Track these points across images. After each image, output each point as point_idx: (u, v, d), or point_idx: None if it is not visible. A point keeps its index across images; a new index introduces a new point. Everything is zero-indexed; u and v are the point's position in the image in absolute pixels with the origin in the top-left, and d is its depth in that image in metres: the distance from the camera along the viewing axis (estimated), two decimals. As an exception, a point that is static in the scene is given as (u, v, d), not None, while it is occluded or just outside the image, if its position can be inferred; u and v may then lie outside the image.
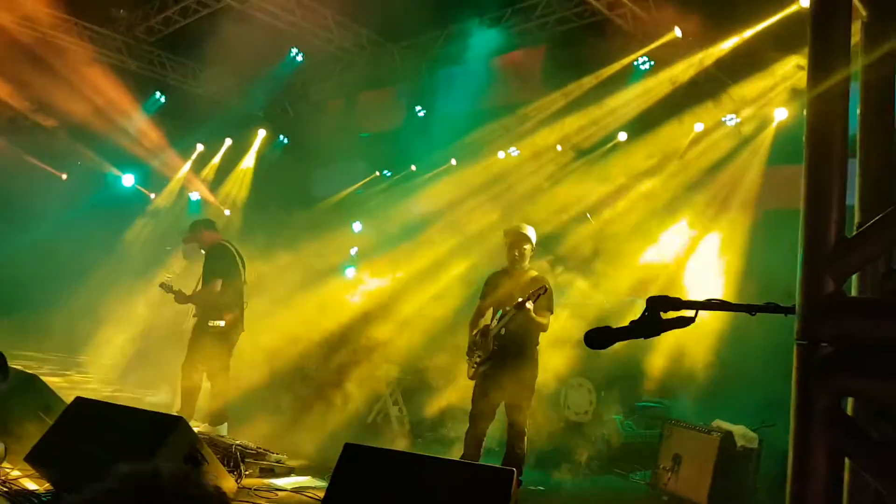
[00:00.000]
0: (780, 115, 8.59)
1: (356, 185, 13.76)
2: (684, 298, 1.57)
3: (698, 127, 9.20)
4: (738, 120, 9.02)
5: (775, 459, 5.92)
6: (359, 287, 10.65)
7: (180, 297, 6.75)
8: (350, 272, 11.77)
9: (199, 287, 6.79)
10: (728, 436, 5.76)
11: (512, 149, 11.02)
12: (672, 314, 1.60)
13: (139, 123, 13.31)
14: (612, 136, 9.69)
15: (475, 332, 5.40)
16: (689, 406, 7.00)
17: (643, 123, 9.20)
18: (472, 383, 5.49)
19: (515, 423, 5.29)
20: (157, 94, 13.60)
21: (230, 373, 6.76)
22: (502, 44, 10.09)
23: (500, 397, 5.31)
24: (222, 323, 6.58)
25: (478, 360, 5.29)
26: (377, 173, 13.29)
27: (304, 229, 11.99)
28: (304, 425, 7.97)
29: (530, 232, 5.47)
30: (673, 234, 8.87)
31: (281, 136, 14.67)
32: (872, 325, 1.30)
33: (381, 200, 12.71)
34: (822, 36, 1.45)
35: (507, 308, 5.21)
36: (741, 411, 6.30)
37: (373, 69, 12.31)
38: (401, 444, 7.57)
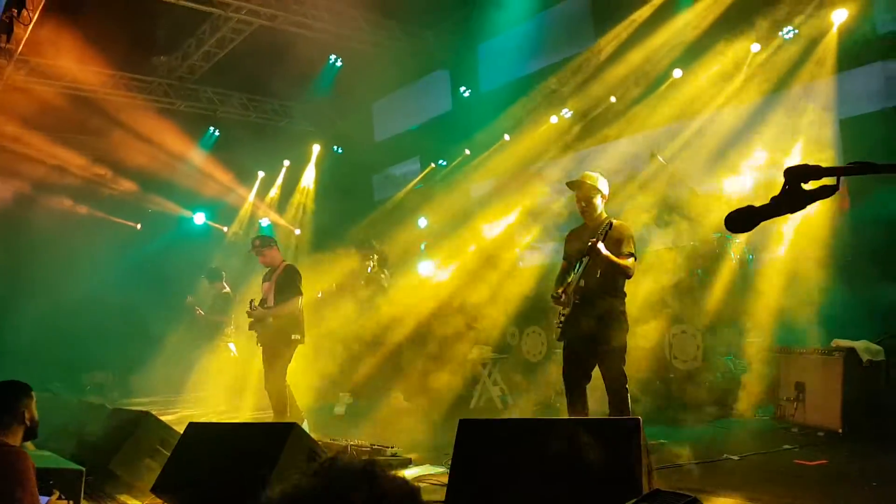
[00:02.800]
0: (840, 16, 8.04)
1: (414, 181, 13.79)
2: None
3: (755, 48, 8.72)
4: (797, 31, 8.49)
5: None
6: (434, 278, 10.66)
7: (260, 313, 6.89)
8: (424, 266, 11.78)
9: (272, 301, 6.96)
10: (851, 353, 5.41)
11: (564, 110, 10.77)
12: (814, 185, 1.44)
13: (199, 161, 13.71)
14: (667, 74, 9.30)
15: (559, 290, 5.04)
16: (799, 332, 6.59)
17: (697, 53, 8.78)
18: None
19: (611, 382, 4.85)
20: (211, 129, 13.94)
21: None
22: (536, 2, 9.79)
23: (590, 355, 4.91)
24: (300, 337, 6.88)
25: (562, 318, 4.97)
26: (433, 165, 13.26)
27: (373, 235, 12.12)
28: (410, 418, 8.04)
29: (595, 180, 5.05)
30: (751, 161, 8.42)
31: (335, 147, 14.83)
32: None
33: (442, 191, 12.67)
34: None
35: (583, 258, 4.89)
36: (856, 326, 5.90)
37: (411, 60, 12.22)
38: (511, 422, 7.51)
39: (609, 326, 4.82)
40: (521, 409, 7.95)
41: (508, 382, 8.61)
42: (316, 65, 12.04)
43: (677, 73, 9.22)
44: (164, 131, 12.55)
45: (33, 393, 3.65)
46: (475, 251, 10.34)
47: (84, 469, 4.14)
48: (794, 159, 7.89)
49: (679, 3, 8.87)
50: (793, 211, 1.46)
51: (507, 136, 11.49)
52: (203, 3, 9.53)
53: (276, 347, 6.84)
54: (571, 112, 10.66)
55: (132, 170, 13.45)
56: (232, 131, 13.72)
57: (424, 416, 7.91)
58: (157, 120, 12.41)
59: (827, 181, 1.44)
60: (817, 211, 7.23)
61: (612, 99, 9.93)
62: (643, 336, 6.98)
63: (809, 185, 1.45)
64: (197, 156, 13.72)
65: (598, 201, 5.05)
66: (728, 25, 8.56)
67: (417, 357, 8.92)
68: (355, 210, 13.81)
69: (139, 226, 15.63)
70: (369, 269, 9.64)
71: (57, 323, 11.74)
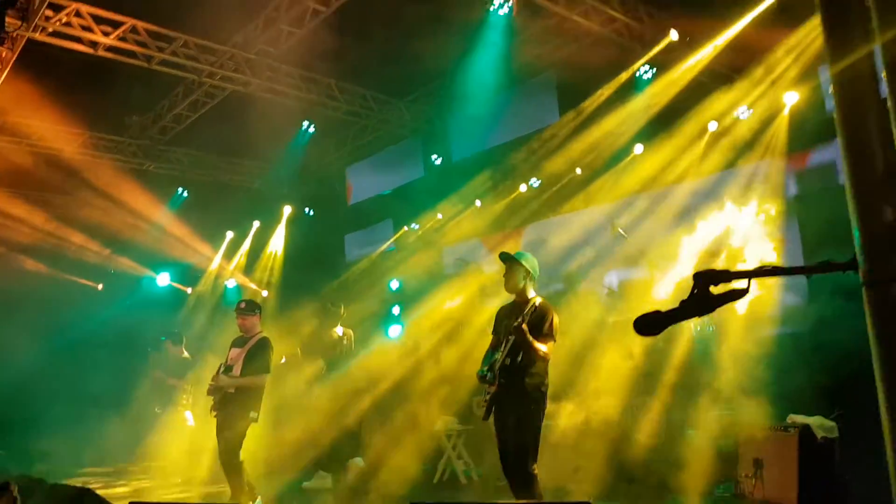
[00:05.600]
0: (791, 98, 8.44)
1: (387, 244, 13.88)
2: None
3: (712, 126, 9.09)
4: (752, 111, 8.88)
5: (859, 445, 5.60)
6: (402, 342, 10.60)
7: (225, 381, 6.66)
8: (394, 330, 11.75)
9: (238, 371, 6.74)
10: (806, 429, 5.50)
11: (532, 180, 11.08)
12: (724, 287, 1.50)
13: (166, 221, 13.64)
14: (628, 149, 9.63)
15: (486, 367, 5.13)
16: (762, 406, 6.63)
17: (656, 131, 9.12)
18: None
19: (515, 459, 4.89)
20: (180, 189, 13.93)
21: None
22: (506, 77, 10.15)
23: (509, 435, 4.98)
24: (256, 415, 6.65)
25: (487, 397, 5.03)
26: (405, 228, 13.39)
27: (342, 296, 12.09)
28: (369, 493, 7.80)
29: (523, 257, 5.25)
30: (703, 239, 8.63)
31: (306, 209, 14.90)
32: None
33: (414, 254, 12.78)
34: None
35: (509, 336, 4.98)
36: (815, 401, 5.99)
37: (384, 127, 12.53)
38: (474, 499, 7.34)
39: (525, 405, 4.92)
40: (485, 484, 7.80)
41: (474, 455, 8.44)
42: (289, 129, 12.21)
43: (638, 148, 9.55)
44: (131, 191, 12.52)
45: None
46: (443, 316, 10.34)
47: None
48: (745, 235, 8.16)
49: (637, 84, 9.26)
50: (701, 314, 1.52)
51: (478, 202, 11.75)
52: (177, 68, 9.68)
53: (233, 422, 6.59)
54: (540, 182, 10.97)
55: (96, 229, 13.34)
56: (201, 192, 13.74)
57: (386, 492, 7.70)
58: (125, 180, 12.40)
59: (737, 284, 1.50)
60: (773, 284, 7.40)
61: (578, 171, 10.24)
62: (605, 407, 7.00)
63: (719, 289, 1.51)
64: (164, 216, 13.66)
65: (521, 278, 5.19)
66: (687, 104, 8.91)
67: (378, 428, 8.75)
68: (326, 271, 13.79)
69: (100, 286, 15.37)
70: (339, 332, 9.53)
71: (6, 385, 11.34)
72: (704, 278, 1.50)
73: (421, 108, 12.19)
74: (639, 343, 7.17)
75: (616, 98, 9.40)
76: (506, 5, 7.87)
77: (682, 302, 1.51)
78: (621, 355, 7.05)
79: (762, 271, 1.54)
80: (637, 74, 9.27)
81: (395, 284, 12.62)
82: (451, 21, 8.47)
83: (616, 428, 6.83)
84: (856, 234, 1.22)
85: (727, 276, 1.50)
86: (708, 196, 8.81)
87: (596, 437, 6.72)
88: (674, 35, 8.56)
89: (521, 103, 11.14)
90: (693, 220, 8.62)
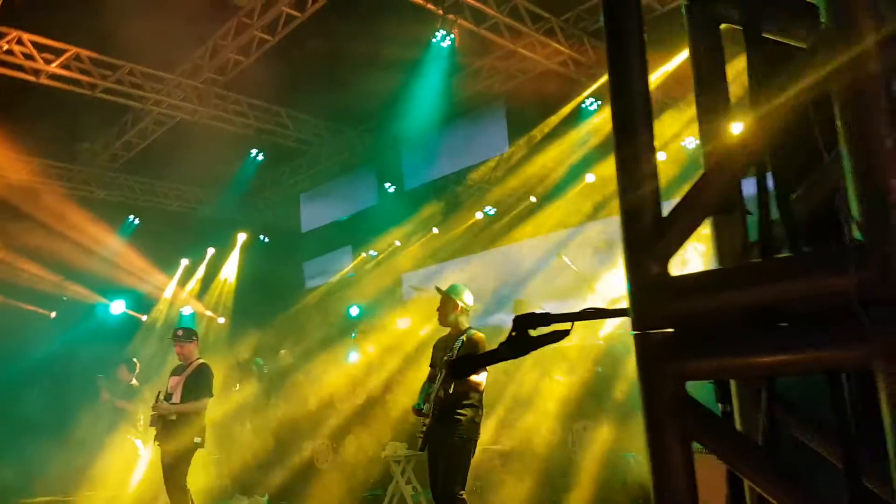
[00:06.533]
0: (738, 129, 8.60)
1: (345, 270, 13.86)
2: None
3: (661, 156, 9.25)
4: (698, 142, 9.04)
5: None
6: (358, 368, 10.57)
7: (165, 408, 6.61)
8: (353, 356, 11.69)
9: (178, 398, 6.69)
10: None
11: (487, 208, 11.20)
12: (544, 329, 1.53)
13: (118, 249, 13.44)
14: (578, 178, 9.77)
15: (422, 400, 5.17)
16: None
17: (602, 160, 9.28)
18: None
19: (442, 488, 4.90)
20: (131, 217, 13.79)
21: None
22: (455, 107, 10.29)
23: (441, 464, 4.98)
24: (201, 441, 6.59)
25: (423, 428, 5.05)
26: (364, 255, 13.40)
27: (300, 322, 12.01)
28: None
29: (453, 291, 5.29)
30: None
31: (261, 236, 14.80)
32: (702, 301, 1.22)
33: (372, 280, 12.79)
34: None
35: (443, 370, 5.01)
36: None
37: (337, 156, 12.59)
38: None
39: (458, 437, 4.92)
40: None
41: (422, 479, 8.40)
42: (241, 156, 12.19)
43: (590, 177, 9.69)
44: (82, 218, 12.33)
45: None
46: (396, 342, 10.34)
47: None
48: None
49: (582, 114, 9.45)
50: (516, 356, 1.54)
51: (435, 230, 11.83)
52: (122, 96, 9.61)
53: (177, 450, 6.50)
54: (495, 210, 11.11)
55: (47, 256, 13.07)
56: (154, 219, 13.58)
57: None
58: (75, 207, 12.21)
59: (558, 326, 1.54)
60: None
61: (532, 199, 10.38)
62: (548, 430, 7.04)
63: (538, 331, 1.54)
64: (116, 243, 13.47)
65: (451, 310, 5.22)
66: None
67: (330, 452, 8.68)
68: (284, 297, 13.68)
69: (53, 314, 15.04)
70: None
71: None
72: (521, 322, 1.53)
73: (373, 137, 12.28)
74: (581, 368, 7.24)
75: (564, 128, 9.58)
76: (448, 37, 7.96)
77: (501, 343, 1.54)
78: (562, 381, 7.09)
79: (585, 314, 1.57)
80: (582, 105, 9.45)
81: (354, 311, 12.59)
82: (399, 49, 8.58)
83: (557, 453, 6.85)
84: (627, 285, 1.27)
85: (546, 319, 1.54)
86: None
87: (535, 461, 6.73)
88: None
89: (472, 132, 11.33)
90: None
